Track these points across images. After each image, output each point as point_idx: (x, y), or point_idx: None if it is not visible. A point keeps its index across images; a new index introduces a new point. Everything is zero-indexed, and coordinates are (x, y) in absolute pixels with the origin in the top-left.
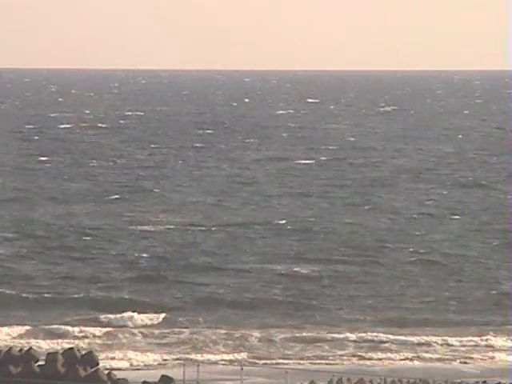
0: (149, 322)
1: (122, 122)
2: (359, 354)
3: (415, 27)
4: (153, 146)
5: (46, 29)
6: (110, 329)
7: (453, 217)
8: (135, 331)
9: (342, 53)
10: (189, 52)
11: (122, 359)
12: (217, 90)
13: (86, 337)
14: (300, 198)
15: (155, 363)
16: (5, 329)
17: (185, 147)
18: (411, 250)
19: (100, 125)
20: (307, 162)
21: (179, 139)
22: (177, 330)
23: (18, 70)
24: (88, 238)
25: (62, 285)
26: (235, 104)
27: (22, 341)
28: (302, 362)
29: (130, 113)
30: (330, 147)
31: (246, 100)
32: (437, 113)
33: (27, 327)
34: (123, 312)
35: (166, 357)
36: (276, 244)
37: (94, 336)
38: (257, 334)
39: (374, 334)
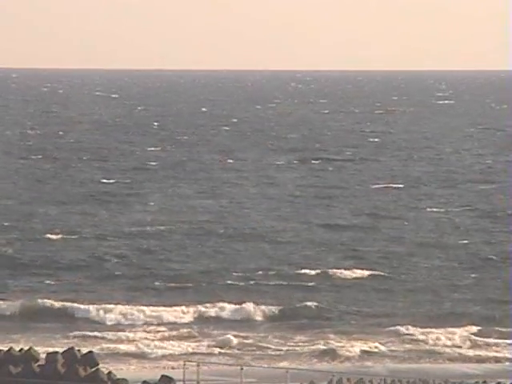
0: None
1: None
2: (359, 355)
3: (415, 27)
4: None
5: (47, 28)
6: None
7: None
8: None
9: (341, 53)
10: (191, 52)
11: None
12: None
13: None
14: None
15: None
16: None
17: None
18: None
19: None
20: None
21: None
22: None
23: (19, 70)
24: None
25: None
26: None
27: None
28: (302, 362)
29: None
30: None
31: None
32: (443, 113)
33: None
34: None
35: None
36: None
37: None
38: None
39: (376, 335)
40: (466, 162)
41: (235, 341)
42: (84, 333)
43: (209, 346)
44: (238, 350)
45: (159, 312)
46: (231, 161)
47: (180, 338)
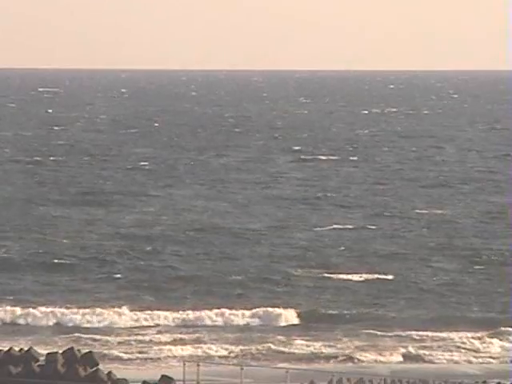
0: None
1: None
2: (360, 354)
3: (414, 27)
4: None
5: (48, 28)
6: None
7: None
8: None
9: (341, 53)
10: (190, 52)
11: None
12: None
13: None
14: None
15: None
16: None
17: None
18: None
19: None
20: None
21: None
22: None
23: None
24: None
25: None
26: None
27: None
28: (302, 362)
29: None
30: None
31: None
32: (445, 113)
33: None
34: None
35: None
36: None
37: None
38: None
39: (376, 334)
40: (468, 162)
41: (236, 342)
42: (84, 334)
43: (211, 348)
44: (241, 351)
45: (159, 313)
46: (232, 160)
47: (181, 339)
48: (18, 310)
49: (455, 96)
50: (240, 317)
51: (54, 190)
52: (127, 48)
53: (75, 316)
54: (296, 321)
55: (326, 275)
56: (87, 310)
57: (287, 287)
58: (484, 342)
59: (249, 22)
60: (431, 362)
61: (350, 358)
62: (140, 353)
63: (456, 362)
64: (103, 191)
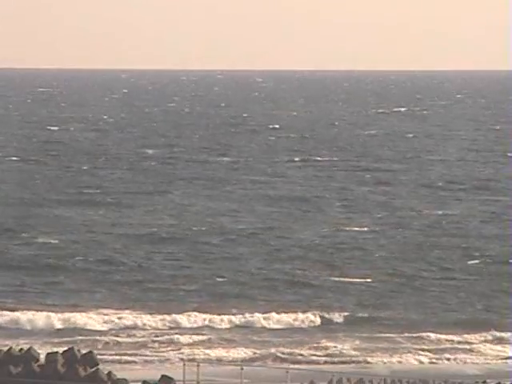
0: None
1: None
2: (361, 354)
3: (414, 27)
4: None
5: (47, 28)
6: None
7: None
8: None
9: (342, 52)
10: (187, 52)
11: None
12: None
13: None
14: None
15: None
16: None
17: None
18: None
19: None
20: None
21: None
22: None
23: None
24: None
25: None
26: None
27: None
28: (302, 362)
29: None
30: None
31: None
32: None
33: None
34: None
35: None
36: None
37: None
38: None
39: (377, 334)
40: (469, 162)
41: (237, 342)
42: (84, 334)
43: (212, 348)
44: (241, 352)
45: (159, 313)
46: (232, 160)
47: (182, 339)
48: (18, 311)
49: (456, 96)
50: (241, 317)
51: (54, 189)
52: (127, 48)
53: (75, 316)
54: (297, 321)
55: (328, 276)
56: (87, 310)
57: (288, 287)
58: (484, 342)
59: (249, 21)
60: (431, 362)
61: (351, 359)
62: (140, 353)
63: (456, 362)
64: (103, 191)
